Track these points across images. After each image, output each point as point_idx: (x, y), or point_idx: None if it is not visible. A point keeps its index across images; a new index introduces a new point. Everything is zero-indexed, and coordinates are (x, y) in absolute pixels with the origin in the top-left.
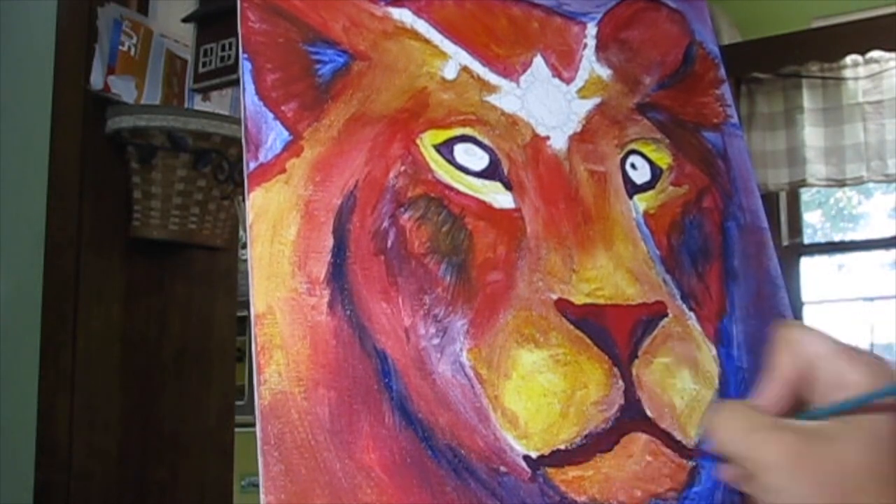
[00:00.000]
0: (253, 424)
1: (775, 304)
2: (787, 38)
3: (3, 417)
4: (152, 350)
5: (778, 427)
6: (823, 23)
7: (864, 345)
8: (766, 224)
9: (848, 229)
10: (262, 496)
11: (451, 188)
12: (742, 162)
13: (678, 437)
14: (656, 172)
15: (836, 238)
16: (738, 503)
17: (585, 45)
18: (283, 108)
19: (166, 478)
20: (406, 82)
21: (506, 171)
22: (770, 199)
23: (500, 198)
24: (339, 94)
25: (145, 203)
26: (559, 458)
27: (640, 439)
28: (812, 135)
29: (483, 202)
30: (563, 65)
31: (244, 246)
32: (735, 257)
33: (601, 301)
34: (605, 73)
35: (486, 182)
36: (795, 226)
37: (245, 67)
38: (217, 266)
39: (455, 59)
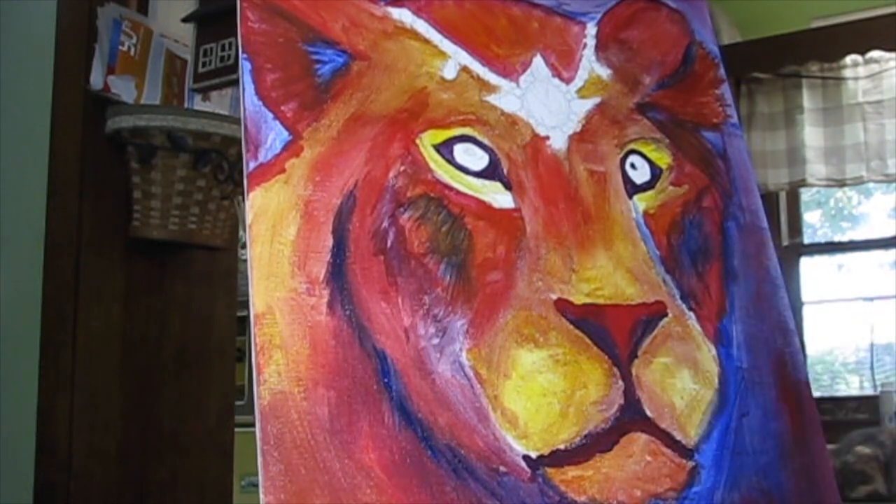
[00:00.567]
0: (253, 424)
1: (775, 303)
2: (787, 38)
3: (3, 417)
4: (152, 350)
5: None
6: (823, 23)
7: (864, 345)
8: (765, 224)
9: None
10: (261, 496)
11: (450, 188)
12: (742, 162)
13: (678, 437)
14: (656, 172)
15: (836, 238)
16: (737, 503)
17: (585, 45)
18: (282, 107)
19: (166, 478)
20: (406, 82)
21: (505, 170)
22: (770, 199)
23: (500, 198)
24: (338, 94)
25: (145, 203)
26: (559, 457)
27: (640, 439)
28: (812, 135)
29: (483, 202)
30: (563, 65)
31: (244, 246)
32: (735, 257)
33: (601, 301)
34: (604, 72)
35: (486, 182)
36: (795, 226)
37: (245, 67)
38: (217, 266)
39: (455, 59)
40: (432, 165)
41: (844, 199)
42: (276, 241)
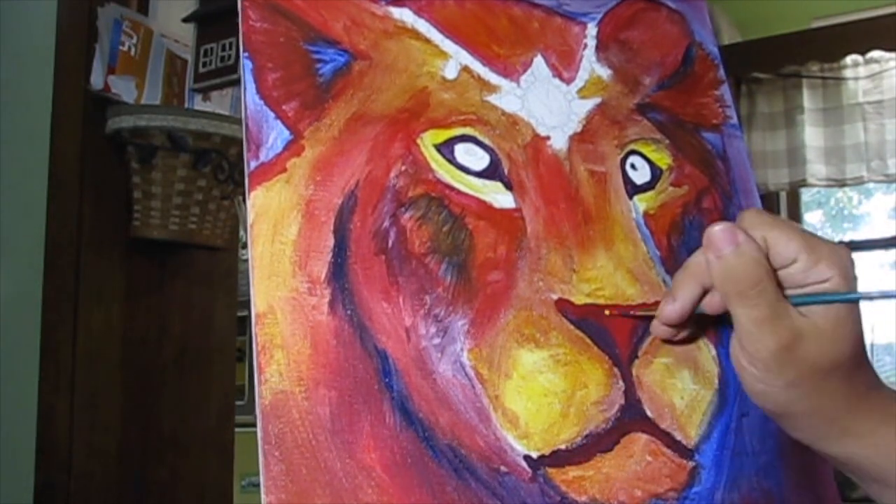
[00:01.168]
0: (253, 424)
1: None
2: (787, 38)
3: (3, 417)
4: (152, 350)
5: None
6: (823, 23)
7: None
8: None
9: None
10: (262, 496)
11: (451, 188)
12: (741, 163)
13: (678, 437)
14: (656, 173)
15: (837, 238)
16: (737, 503)
17: (586, 46)
18: (283, 107)
19: (166, 478)
20: (407, 82)
21: (506, 170)
22: (770, 200)
23: (501, 198)
24: (339, 94)
25: (145, 203)
26: (560, 458)
27: (641, 439)
28: (812, 135)
29: (483, 202)
30: (564, 65)
31: (244, 246)
32: None
33: (601, 301)
34: (605, 73)
35: (487, 182)
36: None
37: (246, 66)
38: (217, 266)
39: (455, 59)
40: (433, 165)
41: (845, 199)
42: (278, 240)
